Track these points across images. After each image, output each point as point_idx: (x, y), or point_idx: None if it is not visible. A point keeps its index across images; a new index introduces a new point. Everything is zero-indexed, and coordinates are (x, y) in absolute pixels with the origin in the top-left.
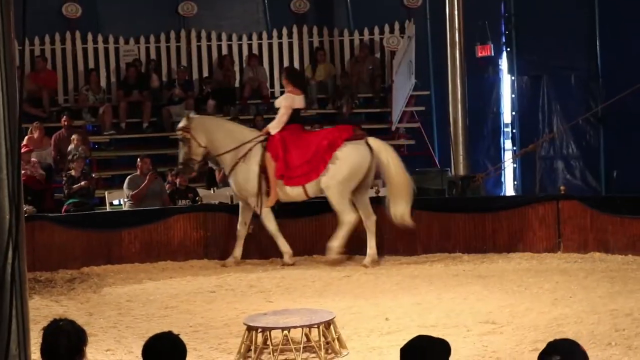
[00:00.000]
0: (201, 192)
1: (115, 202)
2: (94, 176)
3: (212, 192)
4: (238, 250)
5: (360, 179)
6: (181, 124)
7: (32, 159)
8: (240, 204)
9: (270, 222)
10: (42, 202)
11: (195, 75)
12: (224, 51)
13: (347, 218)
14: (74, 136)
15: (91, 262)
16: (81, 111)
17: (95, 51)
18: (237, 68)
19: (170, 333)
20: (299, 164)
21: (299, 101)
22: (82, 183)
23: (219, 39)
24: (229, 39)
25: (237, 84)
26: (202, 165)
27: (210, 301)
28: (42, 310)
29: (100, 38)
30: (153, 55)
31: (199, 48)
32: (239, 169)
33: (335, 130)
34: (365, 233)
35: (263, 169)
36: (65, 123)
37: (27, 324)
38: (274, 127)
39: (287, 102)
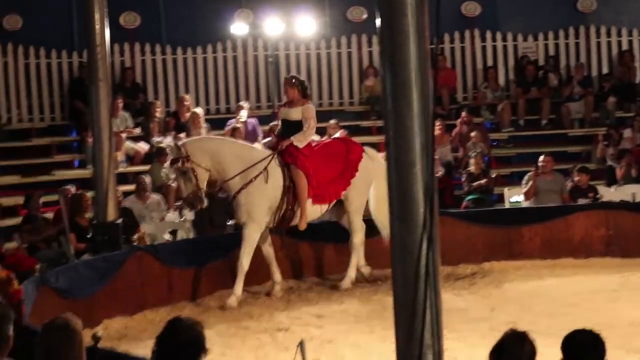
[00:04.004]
0: (602, 190)
1: (514, 199)
2: (492, 174)
3: (612, 190)
4: (277, 275)
5: None
6: (173, 155)
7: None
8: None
9: (249, 255)
10: (442, 198)
11: (594, 72)
12: (624, 47)
13: (360, 238)
14: (473, 133)
15: (492, 257)
16: (479, 108)
17: (494, 49)
18: (638, 64)
19: (591, 330)
20: (329, 180)
21: None
22: (482, 181)
23: (619, 34)
24: (629, 34)
25: (638, 80)
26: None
27: (613, 300)
28: (444, 304)
29: (499, 36)
30: (551, 52)
31: (598, 44)
32: (253, 188)
33: (350, 142)
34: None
35: (287, 188)
36: (465, 119)
37: (440, 315)
38: (300, 141)
39: (314, 113)
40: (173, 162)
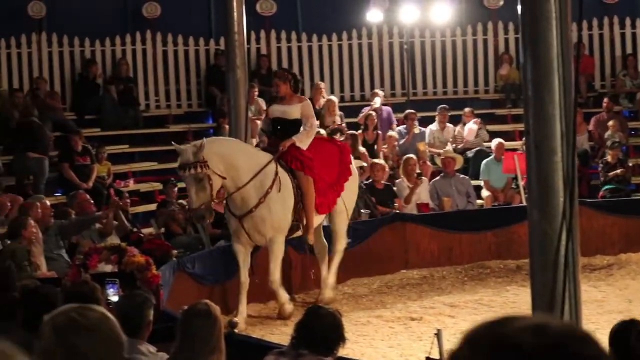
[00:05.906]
0: None
1: None
2: (630, 163)
3: None
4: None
5: None
6: (190, 157)
7: None
8: (239, 249)
9: (279, 268)
10: (578, 188)
11: None
12: None
13: (343, 245)
14: (611, 122)
15: (628, 248)
16: (618, 97)
17: (633, 36)
18: None
19: None
20: (329, 186)
21: None
22: (618, 171)
23: None
24: None
25: None
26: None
27: None
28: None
29: (638, 23)
30: None
31: None
32: (272, 200)
33: (338, 142)
34: None
35: (296, 197)
36: (606, 106)
37: (579, 306)
38: (302, 141)
39: (313, 110)
40: (185, 166)
